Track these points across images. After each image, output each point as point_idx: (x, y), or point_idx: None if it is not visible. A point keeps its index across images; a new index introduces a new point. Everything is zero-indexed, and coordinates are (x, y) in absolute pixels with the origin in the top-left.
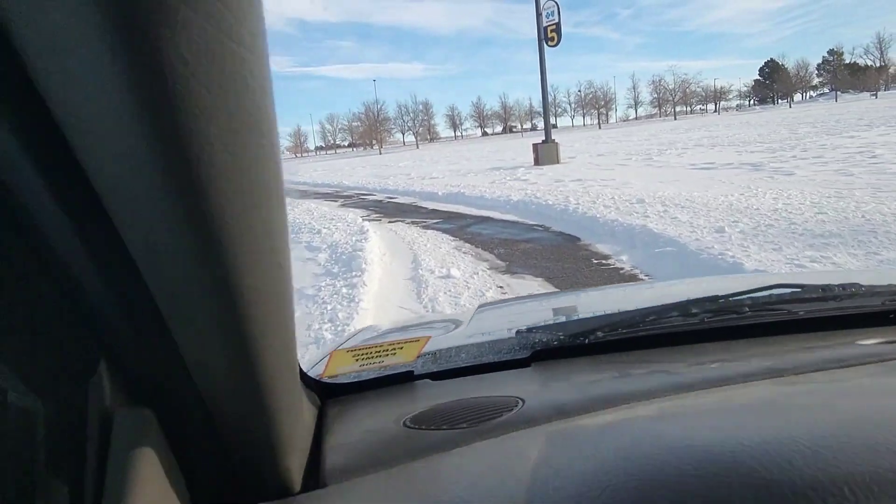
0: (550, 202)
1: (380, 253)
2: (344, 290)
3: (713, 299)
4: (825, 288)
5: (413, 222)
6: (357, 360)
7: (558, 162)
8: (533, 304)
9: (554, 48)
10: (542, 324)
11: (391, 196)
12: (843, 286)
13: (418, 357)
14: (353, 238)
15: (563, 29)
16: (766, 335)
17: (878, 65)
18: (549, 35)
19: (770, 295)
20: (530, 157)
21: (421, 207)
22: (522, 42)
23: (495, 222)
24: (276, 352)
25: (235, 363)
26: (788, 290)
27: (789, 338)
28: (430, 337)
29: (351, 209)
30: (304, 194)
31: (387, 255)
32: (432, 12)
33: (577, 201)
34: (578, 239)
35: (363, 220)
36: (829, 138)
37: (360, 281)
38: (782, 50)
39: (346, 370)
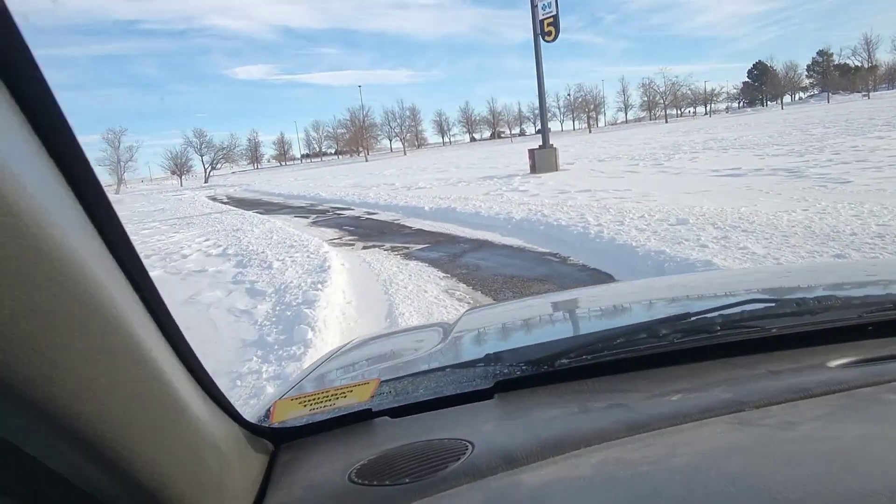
0: (563, 222)
1: (342, 302)
2: (271, 381)
3: (683, 318)
4: (800, 302)
5: (393, 249)
6: (305, 405)
7: (557, 169)
8: (519, 310)
9: (551, 43)
10: (509, 348)
11: (371, 211)
12: (819, 299)
13: (373, 396)
14: (310, 278)
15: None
16: (737, 354)
17: (866, 65)
18: (545, 29)
19: (742, 311)
20: (524, 163)
21: (404, 227)
22: (509, 47)
23: (495, 249)
24: (165, 426)
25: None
26: (762, 305)
27: (759, 358)
28: (378, 380)
29: (322, 229)
30: (273, 209)
31: (352, 303)
32: (417, 19)
33: (599, 221)
34: (615, 280)
35: (331, 245)
36: (854, 139)
37: (298, 366)
38: (766, 53)
39: (298, 414)
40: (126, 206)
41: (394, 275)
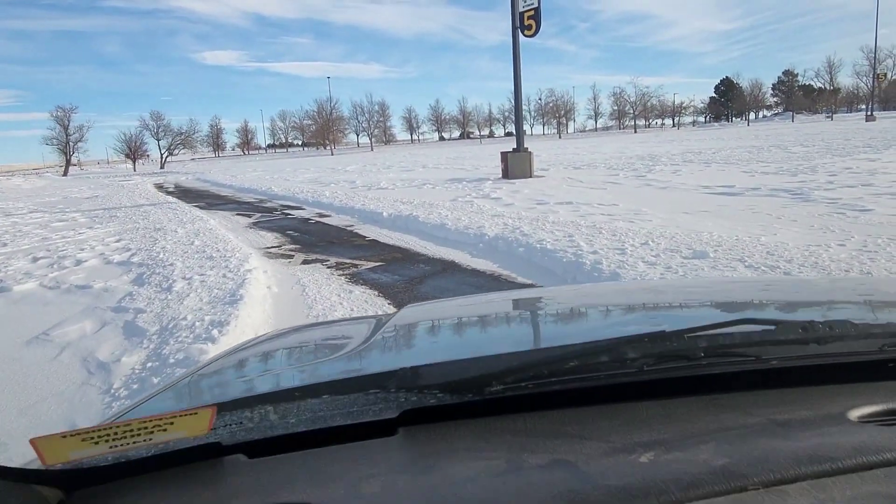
0: (548, 244)
1: None
2: None
3: (658, 338)
4: (806, 327)
5: (338, 266)
6: (93, 441)
7: (531, 175)
8: (468, 308)
9: (531, 38)
10: (431, 362)
11: (324, 213)
12: (830, 324)
13: (215, 429)
14: (213, 312)
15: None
16: (726, 389)
17: (828, 88)
18: (525, 23)
19: (734, 334)
20: (495, 165)
21: (357, 236)
22: (483, 48)
23: (464, 275)
24: None
25: None
26: (759, 328)
27: (757, 398)
28: (213, 410)
29: (261, 233)
30: (217, 204)
31: None
32: (392, 14)
33: (593, 247)
34: None
35: (266, 256)
36: (843, 160)
37: None
38: (732, 70)
39: (95, 452)
40: (60, 191)
41: (331, 307)
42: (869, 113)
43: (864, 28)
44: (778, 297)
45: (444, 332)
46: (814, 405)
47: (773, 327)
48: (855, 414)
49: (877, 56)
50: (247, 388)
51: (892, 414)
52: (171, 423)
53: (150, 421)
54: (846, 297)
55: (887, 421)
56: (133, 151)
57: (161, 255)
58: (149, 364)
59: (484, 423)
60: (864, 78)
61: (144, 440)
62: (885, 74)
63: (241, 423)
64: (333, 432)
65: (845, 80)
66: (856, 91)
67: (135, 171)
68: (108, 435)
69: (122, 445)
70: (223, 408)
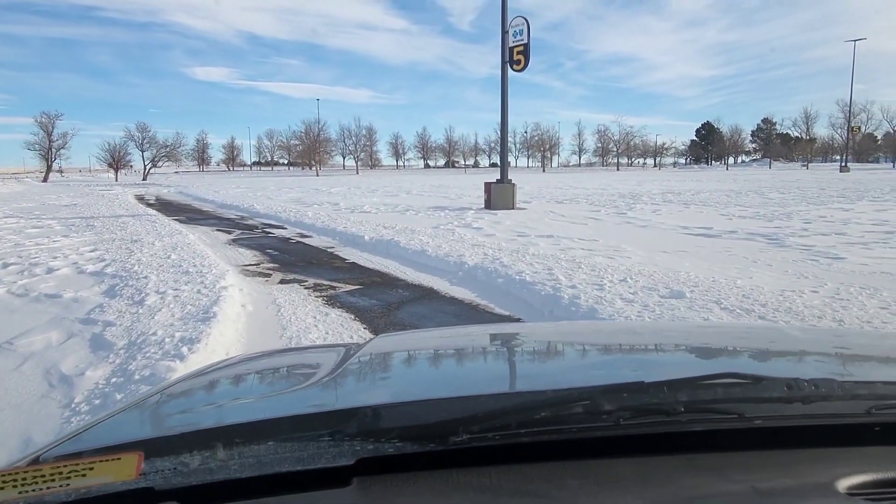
0: (527, 277)
1: None
2: None
3: (637, 390)
4: (791, 384)
5: (316, 287)
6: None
7: (514, 207)
8: (437, 340)
9: (519, 73)
10: (393, 402)
11: (305, 234)
12: (816, 383)
13: (143, 474)
14: (185, 329)
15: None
16: (705, 450)
17: (805, 137)
18: (515, 57)
19: (716, 388)
20: (478, 195)
21: (337, 258)
22: (472, 80)
23: (442, 302)
24: None
25: None
26: (742, 383)
27: (737, 461)
28: (141, 454)
29: (240, 250)
30: (198, 218)
31: None
32: (384, 42)
33: (572, 281)
34: None
35: (243, 274)
36: (817, 208)
37: None
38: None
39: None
40: (38, 197)
41: (306, 330)
42: (843, 164)
43: (840, 83)
44: (756, 346)
45: (413, 367)
46: (798, 472)
47: (756, 383)
48: (843, 485)
49: (851, 110)
50: (190, 423)
51: (881, 486)
52: (91, 469)
53: (66, 466)
54: (823, 349)
55: (877, 495)
56: (116, 161)
57: (136, 268)
58: (113, 380)
59: (447, 477)
60: (839, 130)
61: (60, 486)
62: (860, 128)
63: (176, 466)
64: (281, 479)
65: (821, 130)
66: (831, 142)
67: (116, 180)
68: (16, 480)
69: (33, 491)
70: (159, 446)
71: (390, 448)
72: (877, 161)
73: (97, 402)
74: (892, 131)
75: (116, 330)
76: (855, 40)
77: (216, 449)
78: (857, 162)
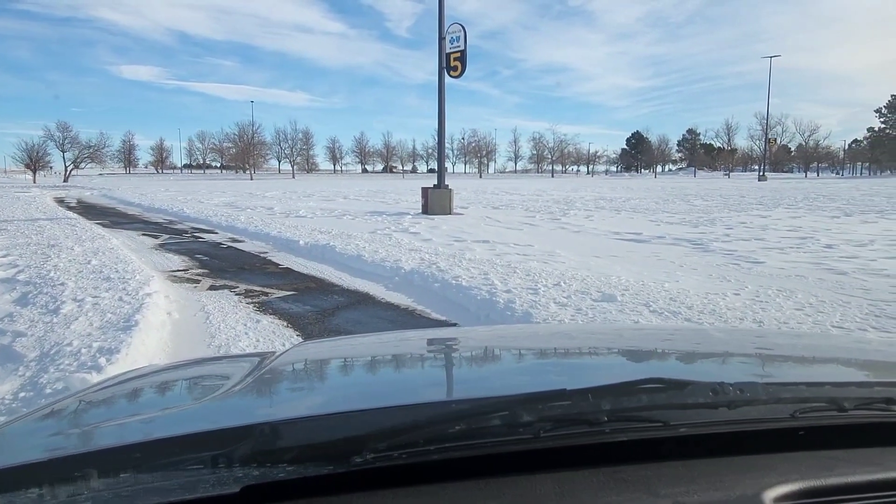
0: (463, 280)
1: None
2: None
3: (558, 398)
4: (716, 389)
5: (248, 293)
6: None
7: (451, 212)
8: (361, 347)
9: (456, 79)
10: (292, 417)
11: (237, 238)
12: (741, 387)
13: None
14: (103, 339)
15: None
16: (629, 461)
17: (727, 147)
18: (451, 64)
19: (640, 395)
20: (416, 201)
21: (270, 263)
22: (409, 86)
23: (377, 308)
24: None
25: None
26: (667, 389)
27: (660, 472)
28: None
29: (167, 255)
30: (122, 222)
31: None
32: (321, 44)
33: (507, 286)
34: None
35: (171, 280)
36: (738, 215)
37: None
38: (643, 124)
39: None
40: None
41: (235, 338)
42: (761, 173)
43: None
44: (683, 349)
45: (328, 378)
46: (725, 483)
47: (682, 388)
48: (770, 496)
49: (768, 122)
50: (59, 447)
51: (809, 495)
52: None
53: None
54: (746, 350)
55: (800, 500)
56: (34, 162)
57: (52, 274)
58: (21, 394)
59: (346, 503)
60: (758, 141)
61: None
62: (776, 140)
63: (35, 501)
64: None
65: (741, 141)
66: (750, 152)
67: (35, 182)
68: None
69: None
70: (17, 477)
71: (281, 473)
72: (791, 171)
73: (1, 419)
74: (803, 143)
75: (27, 341)
76: (771, 57)
77: (89, 479)
78: (774, 171)
